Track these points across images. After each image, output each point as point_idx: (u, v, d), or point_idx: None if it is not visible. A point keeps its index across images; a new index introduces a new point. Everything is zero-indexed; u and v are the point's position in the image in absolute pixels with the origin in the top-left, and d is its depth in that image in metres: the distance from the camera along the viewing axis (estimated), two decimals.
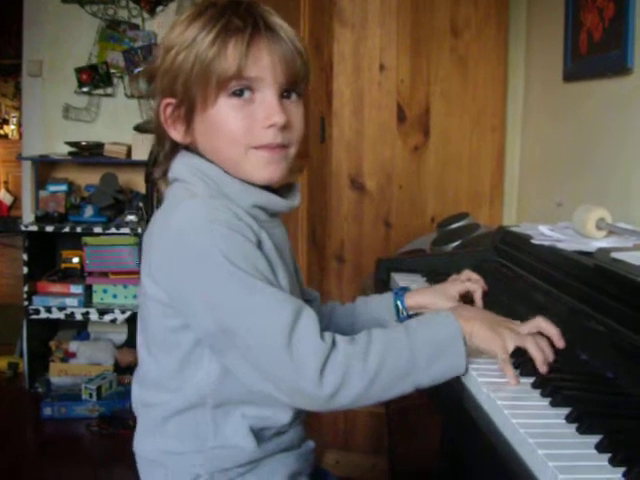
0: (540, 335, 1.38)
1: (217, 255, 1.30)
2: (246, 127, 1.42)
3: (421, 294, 1.75)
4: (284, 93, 1.45)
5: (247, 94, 1.42)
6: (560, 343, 1.39)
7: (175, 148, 1.50)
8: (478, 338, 1.35)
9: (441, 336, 1.34)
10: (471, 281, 1.75)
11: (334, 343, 1.29)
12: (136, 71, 4.80)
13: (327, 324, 1.75)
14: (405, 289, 1.78)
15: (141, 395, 1.53)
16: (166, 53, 1.43)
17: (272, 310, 1.29)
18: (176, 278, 1.35)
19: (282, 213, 1.55)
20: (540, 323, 1.41)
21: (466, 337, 1.34)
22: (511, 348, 1.34)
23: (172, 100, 1.44)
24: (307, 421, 1.59)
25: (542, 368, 1.31)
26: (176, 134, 1.47)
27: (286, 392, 1.30)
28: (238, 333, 1.29)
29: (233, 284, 1.30)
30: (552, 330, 1.40)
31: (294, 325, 1.27)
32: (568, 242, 1.84)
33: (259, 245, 1.39)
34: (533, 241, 1.92)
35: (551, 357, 1.34)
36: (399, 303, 1.74)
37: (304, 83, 1.49)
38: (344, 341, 1.30)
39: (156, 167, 1.53)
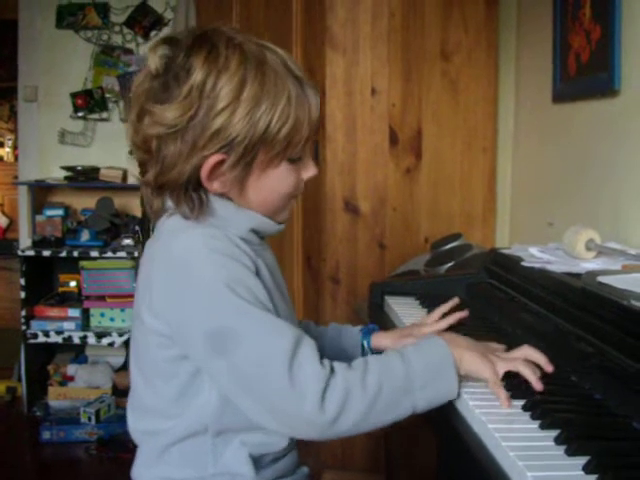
0: (528, 362, 1.39)
1: (219, 284, 1.32)
2: (296, 184, 1.49)
3: (386, 337, 1.75)
4: None
5: None
6: (548, 368, 1.39)
7: None
8: (468, 364, 1.36)
9: (434, 359, 1.36)
10: (440, 322, 1.75)
11: (332, 369, 1.30)
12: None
13: None
14: (373, 329, 1.79)
15: (140, 423, 1.54)
16: (216, 113, 1.35)
17: (273, 339, 1.30)
18: (177, 308, 1.36)
19: (270, 236, 1.57)
20: (527, 351, 1.42)
21: (456, 363, 1.36)
22: (502, 372, 1.36)
23: (223, 157, 1.38)
24: (304, 443, 1.61)
25: (537, 385, 1.33)
26: (215, 187, 1.42)
27: (286, 422, 1.31)
28: (239, 362, 1.30)
29: (235, 313, 1.32)
30: (540, 357, 1.41)
31: (295, 353, 1.28)
32: (558, 264, 1.86)
33: (257, 273, 1.41)
34: (523, 263, 1.94)
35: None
36: (365, 343, 1.76)
37: None
38: (342, 367, 1.32)
39: (149, 201, 1.48)
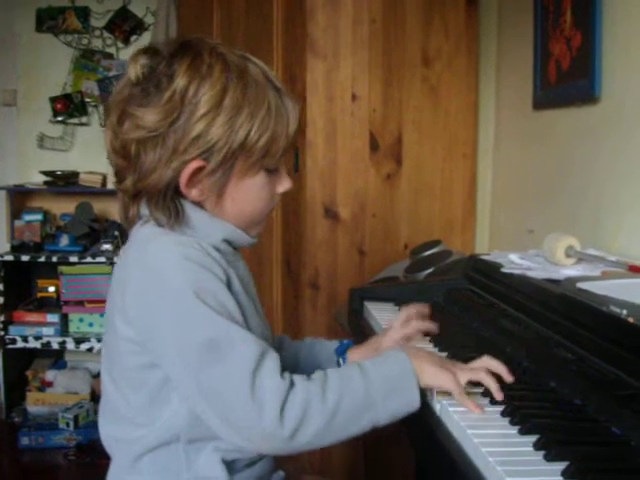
0: (489, 372, 1.39)
1: (188, 292, 1.33)
2: (270, 197, 1.51)
3: (362, 353, 1.71)
4: None
5: None
6: (509, 379, 1.39)
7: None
8: (428, 375, 1.36)
9: (394, 372, 1.36)
10: (411, 322, 1.72)
11: (292, 382, 1.30)
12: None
13: None
14: (348, 345, 1.77)
15: (112, 431, 1.52)
16: (198, 118, 1.37)
17: (237, 352, 1.30)
18: (148, 315, 1.37)
19: (243, 247, 1.57)
20: (488, 361, 1.42)
21: (417, 375, 1.35)
22: (464, 382, 1.36)
23: (203, 164, 1.39)
24: None
25: (498, 395, 1.33)
26: (193, 194, 1.42)
27: (246, 435, 1.31)
28: (202, 373, 1.30)
29: (202, 323, 1.32)
30: (500, 367, 1.40)
31: (258, 366, 1.29)
32: (537, 270, 1.86)
33: (228, 283, 1.41)
34: (503, 270, 1.94)
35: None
36: (341, 361, 1.73)
37: None
38: (301, 380, 1.32)
39: (125, 209, 1.50)
